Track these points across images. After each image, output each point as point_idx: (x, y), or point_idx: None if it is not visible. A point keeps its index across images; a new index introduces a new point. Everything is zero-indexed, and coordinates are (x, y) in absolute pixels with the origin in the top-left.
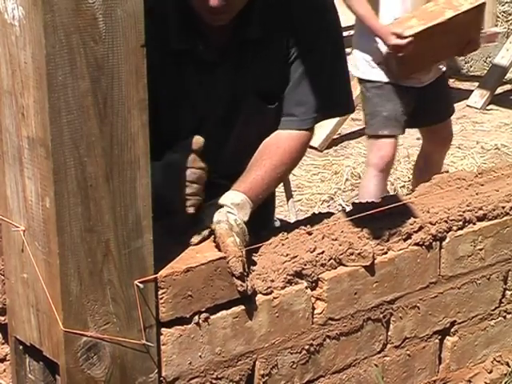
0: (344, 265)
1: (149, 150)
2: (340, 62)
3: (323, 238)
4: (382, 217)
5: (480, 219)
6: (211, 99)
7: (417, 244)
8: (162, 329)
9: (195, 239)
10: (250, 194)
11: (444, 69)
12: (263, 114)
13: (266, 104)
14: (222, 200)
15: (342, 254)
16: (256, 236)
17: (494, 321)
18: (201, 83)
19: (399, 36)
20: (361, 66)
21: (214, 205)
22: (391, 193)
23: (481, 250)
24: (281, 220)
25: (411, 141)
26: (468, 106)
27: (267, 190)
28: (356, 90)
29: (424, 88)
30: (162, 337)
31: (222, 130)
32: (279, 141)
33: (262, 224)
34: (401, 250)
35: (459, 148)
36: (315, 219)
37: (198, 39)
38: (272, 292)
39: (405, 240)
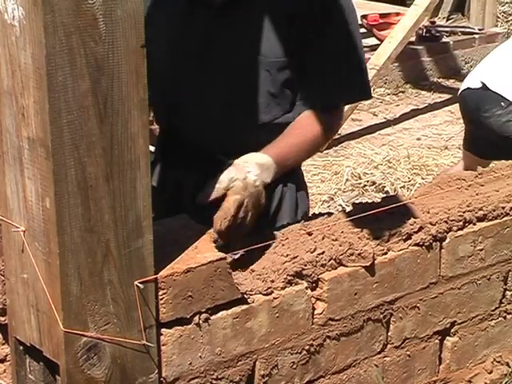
0: (344, 265)
1: (149, 150)
2: (358, 47)
3: (323, 238)
4: (382, 217)
5: (480, 219)
6: (196, 46)
7: (417, 244)
8: (162, 329)
9: (209, 193)
10: (277, 159)
11: None
12: (254, 69)
13: (258, 61)
14: (246, 158)
15: (342, 255)
16: (256, 236)
17: (494, 321)
18: (188, 29)
19: None
20: None
21: (235, 165)
22: (391, 193)
23: (481, 250)
24: None
25: (411, 141)
26: None
27: (295, 159)
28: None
29: None
30: (162, 337)
31: (207, 79)
32: (311, 118)
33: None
34: (401, 250)
35: (459, 148)
36: (315, 219)
37: None
38: (272, 292)
39: (405, 240)
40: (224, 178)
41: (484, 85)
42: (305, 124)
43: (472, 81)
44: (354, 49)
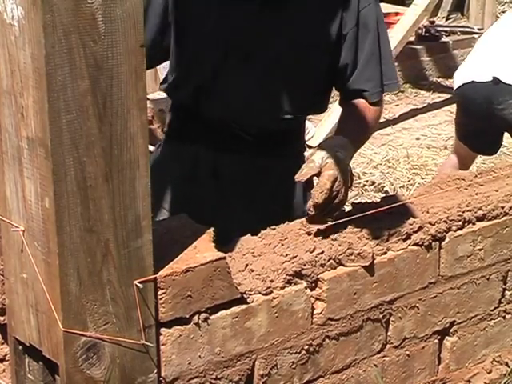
0: (343, 265)
1: (148, 149)
2: (388, 39)
3: (323, 238)
4: (381, 217)
5: (479, 219)
6: (236, 33)
7: (416, 244)
8: (162, 329)
9: (306, 171)
10: (351, 142)
11: None
12: (294, 60)
13: (299, 52)
14: (330, 141)
15: (341, 254)
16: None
17: (493, 321)
18: (228, 16)
19: None
20: None
21: (322, 148)
22: (390, 193)
23: (480, 250)
24: None
25: (411, 141)
26: None
27: (360, 143)
28: None
29: None
30: (161, 337)
31: (246, 67)
32: (366, 107)
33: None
34: (400, 250)
35: None
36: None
37: None
38: (271, 292)
39: (404, 240)
40: (317, 158)
41: (496, 78)
42: (363, 112)
43: (477, 74)
44: (389, 45)
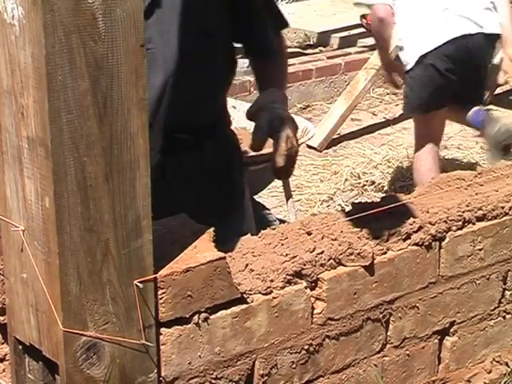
0: (343, 265)
1: (148, 149)
2: None
3: (323, 238)
4: (381, 217)
5: (479, 219)
6: (168, 45)
7: (416, 244)
8: (162, 329)
9: (257, 141)
10: (282, 89)
11: None
12: (210, 49)
13: (209, 39)
14: (265, 98)
15: (341, 254)
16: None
17: (493, 321)
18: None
19: None
20: None
21: (261, 108)
22: (390, 193)
23: (480, 250)
24: (280, 220)
25: (410, 140)
26: None
27: (285, 87)
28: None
29: None
30: (161, 337)
31: (182, 75)
32: (278, 53)
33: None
34: (400, 250)
35: (459, 148)
36: (315, 219)
37: None
38: (271, 292)
39: (404, 240)
40: (263, 123)
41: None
42: (276, 58)
43: (468, 27)
44: None
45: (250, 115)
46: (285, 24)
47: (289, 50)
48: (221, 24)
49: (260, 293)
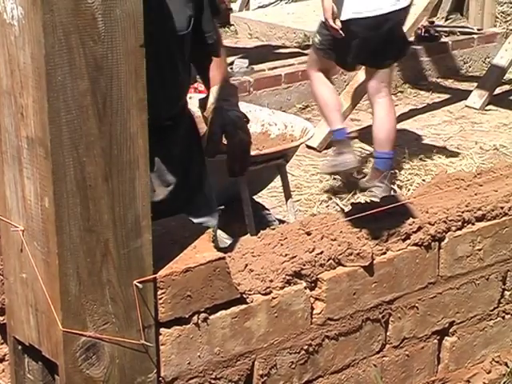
0: (343, 265)
1: (148, 150)
2: None
3: (322, 238)
4: (380, 217)
5: (479, 219)
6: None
7: (416, 244)
8: (161, 329)
9: (211, 150)
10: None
11: None
12: (181, 44)
13: (180, 34)
14: (217, 96)
15: (340, 255)
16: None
17: (492, 321)
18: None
19: None
20: None
21: (216, 113)
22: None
23: (479, 250)
24: (280, 220)
25: (410, 140)
26: (467, 106)
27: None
28: None
29: None
30: (160, 337)
31: (162, 69)
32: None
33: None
34: (400, 250)
35: (458, 148)
36: (314, 219)
37: None
38: (271, 292)
39: (404, 240)
40: (216, 129)
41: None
42: (219, 49)
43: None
44: None
45: (204, 118)
46: (218, 12)
47: (288, 50)
48: (189, 25)
49: (259, 293)
